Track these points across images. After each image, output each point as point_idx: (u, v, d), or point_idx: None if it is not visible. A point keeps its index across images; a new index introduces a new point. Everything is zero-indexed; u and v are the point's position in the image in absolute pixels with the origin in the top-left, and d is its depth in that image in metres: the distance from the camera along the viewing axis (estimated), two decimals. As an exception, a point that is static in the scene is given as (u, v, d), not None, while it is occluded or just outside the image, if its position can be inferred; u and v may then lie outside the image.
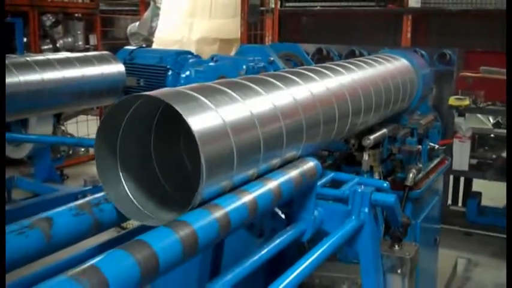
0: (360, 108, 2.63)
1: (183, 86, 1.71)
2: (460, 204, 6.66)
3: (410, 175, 3.13)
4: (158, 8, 10.43)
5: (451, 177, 6.37)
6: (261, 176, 1.82)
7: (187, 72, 4.21)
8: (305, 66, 2.64)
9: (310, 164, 2.09)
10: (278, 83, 2.07)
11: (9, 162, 7.94)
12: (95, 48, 9.03)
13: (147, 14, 10.47)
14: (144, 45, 5.87)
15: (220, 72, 3.97)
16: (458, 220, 6.25)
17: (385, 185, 2.44)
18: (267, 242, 1.96)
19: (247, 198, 1.64)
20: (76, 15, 9.16)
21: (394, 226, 2.44)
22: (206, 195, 1.53)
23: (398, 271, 2.38)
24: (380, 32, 11.08)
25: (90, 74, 3.95)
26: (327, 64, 2.70)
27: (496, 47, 8.66)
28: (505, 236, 5.35)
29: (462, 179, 6.62)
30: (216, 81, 1.91)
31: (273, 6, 10.66)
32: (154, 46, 8.80)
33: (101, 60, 4.12)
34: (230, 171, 1.60)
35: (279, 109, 1.92)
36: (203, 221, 1.45)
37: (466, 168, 6.04)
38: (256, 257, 1.82)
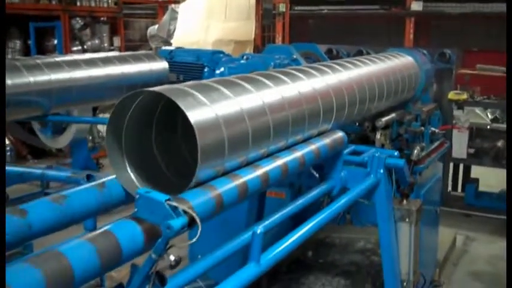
0: (374, 95, 3.28)
1: (181, 83, 2.00)
2: (459, 190, 7.30)
3: (415, 151, 3.78)
4: (176, 12, 11.07)
5: (451, 165, 7.01)
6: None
7: (222, 69, 4.82)
8: (333, 61, 3.29)
9: (339, 134, 2.74)
10: (316, 72, 2.74)
11: (48, 153, 8.62)
12: (119, 50, 9.62)
13: (165, 17, 11.07)
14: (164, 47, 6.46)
15: (251, 68, 4.57)
16: (458, 203, 6.88)
17: (395, 153, 3.08)
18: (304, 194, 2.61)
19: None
20: (102, 18, 9.76)
21: (403, 185, 3.09)
22: (202, 177, 1.77)
23: (407, 220, 3.03)
24: (384, 34, 11.69)
25: (143, 69, 4.62)
26: (348, 59, 3.36)
27: (491, 46, 9.28)
28: (499, 216, 6.04)
29: (461, 168, 7.25)
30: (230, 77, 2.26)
31: (283, 10, 11.27)
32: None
33: (149, 58, 4.79)
34: (222, 158, 1.85)
35: (317, 92, 2.59)
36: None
37: (464, 156, 6.68)
38: (296, 203, 2.44)
